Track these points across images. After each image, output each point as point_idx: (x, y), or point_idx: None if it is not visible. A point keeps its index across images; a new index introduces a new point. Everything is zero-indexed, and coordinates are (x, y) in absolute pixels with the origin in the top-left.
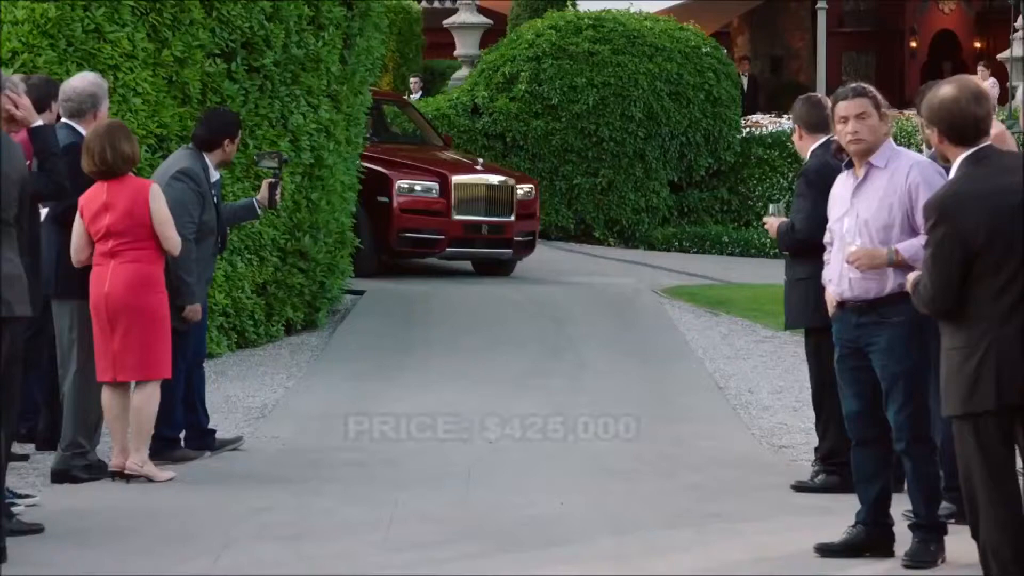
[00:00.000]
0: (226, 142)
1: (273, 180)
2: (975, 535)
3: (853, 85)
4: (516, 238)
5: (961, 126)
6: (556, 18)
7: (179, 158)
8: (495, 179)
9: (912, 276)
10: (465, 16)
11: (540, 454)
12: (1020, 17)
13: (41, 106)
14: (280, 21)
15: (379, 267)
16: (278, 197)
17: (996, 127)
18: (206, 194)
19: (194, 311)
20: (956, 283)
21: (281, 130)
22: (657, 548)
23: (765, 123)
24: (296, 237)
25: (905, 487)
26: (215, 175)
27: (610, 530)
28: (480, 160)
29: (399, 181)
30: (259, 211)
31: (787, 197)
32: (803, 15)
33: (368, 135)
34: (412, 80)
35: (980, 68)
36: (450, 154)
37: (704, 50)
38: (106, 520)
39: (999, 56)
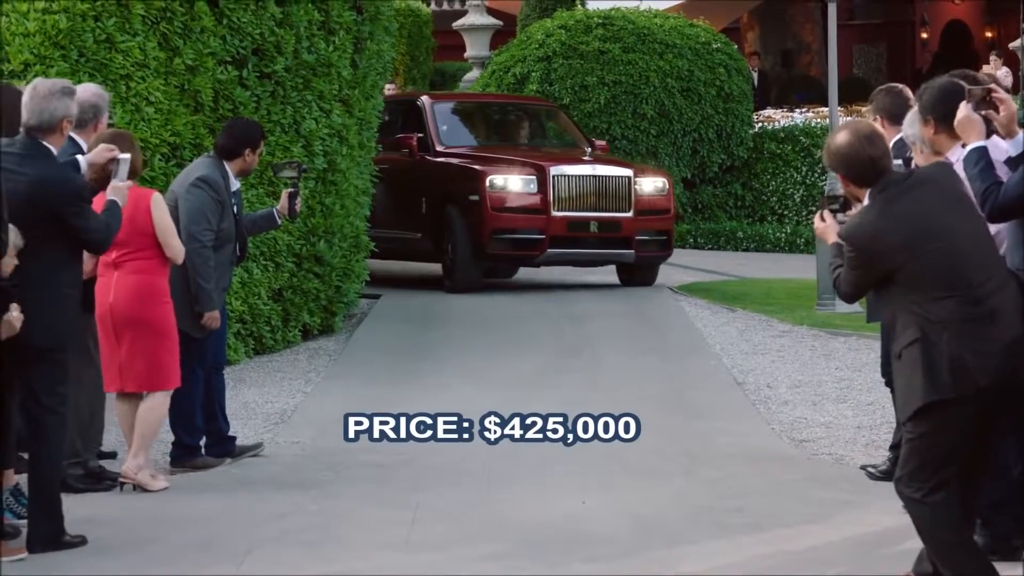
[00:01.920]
0: (247, 151)
1: (293, 190)
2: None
3: None
4: (639, 237)
5: (860, 170)
6: (566, 17)
7: (199, 166)
8: (606, 171)
9: (831, 252)
10: (474, 18)
11: (559, 453)
12: None
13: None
14: (290, 27)
15: (479, 278)
16: (298, 206)
17: (961, 111)
18: (225, 202)
19: (212, 318)
20: (867, 289)
21: (294, 136)
22: (680, 545)
23: (777, 118)
24: (311, 242)
25: None
26: (235, 184)
27: (632, 528)
28: (590, 151)
29: (491, 176)
30: (279, 220)
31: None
32: (813, 9)
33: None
34: (388, 87)
35: (992, 57)
36: (556, 147)
37: (715, 46)
38: (126, 528)
39: (1011, 45)
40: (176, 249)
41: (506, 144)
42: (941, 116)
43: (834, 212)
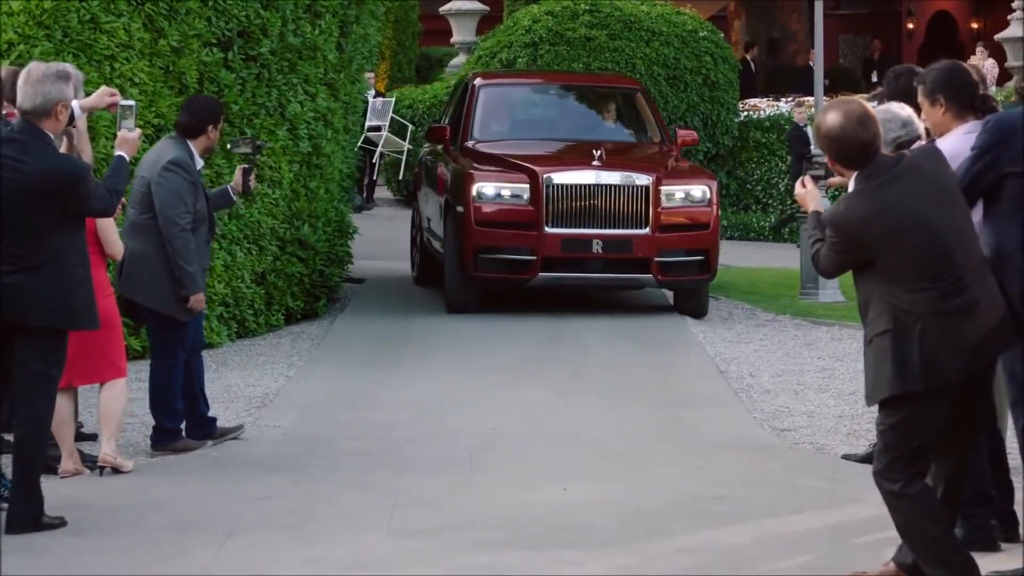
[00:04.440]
0: (210, 128)
1: (247, 166)
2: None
3: None
4: (661, 259)
5: (848, 152)
6: (552, 4)
7: (167, 148)
8: (615, 177)
9: (810, 221)
10: (461, 3)
11: (542, 440)
12: None
13: None
14: (276, 10)
15: (472, 299)
16: (252, 183)
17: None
18: (197, 182)
19: (198, 300)
20: (846, 270)
21: (279, 119)
22: (663, 532)
23: (763, 107)
24: (295, 226)
25: None
26: (199, 163)
27: (615, 515)
28: (599, 155)
29: (478, 184)
30: (234, 197)
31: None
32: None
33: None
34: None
35: (979, 48)
36: (615, 142)
37: (701, 34)
38: (107, 510)
39: (997, 36)
40: (116, 246)
41: (551, 139)
42: (951, 95)
43: (817, 178)
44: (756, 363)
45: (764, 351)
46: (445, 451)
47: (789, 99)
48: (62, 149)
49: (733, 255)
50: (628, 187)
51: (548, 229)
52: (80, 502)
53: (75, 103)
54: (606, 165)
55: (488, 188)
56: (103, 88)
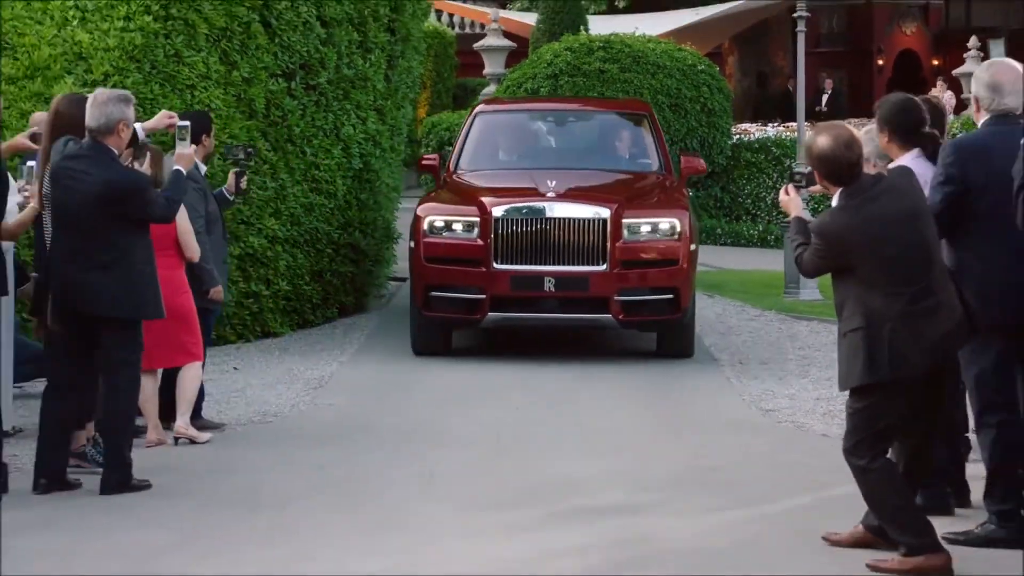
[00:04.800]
0: (204, 137)
1: (239, 170)
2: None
3: None
4: (621, 297)
5: (836, 171)
6: (571, 41)
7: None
8: (569, 210)
9: (793, 227)
10: (492, 40)
11: (558, 420)
12: (973, 36)
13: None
14: (333, 45)
15: (438, 341)
16: (243, 184)
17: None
18: (205, 188)
19: (218, 291)
20: (826, 272)
21: (334, 139)
22: (666, 502)
23: (752, 131)
24: (348, 232)
25: None
26: (203, 168)
27: (624, 487)
28: (554, 183)
29: (429, 218)
30: (229, 197)
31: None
32: (785, 37)
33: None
34: None
35: (939, 82)
36: (601, 172)
37: (700, 68)
38: (184, 476)
39: (954, 72)
40: (193, 249)
41: (539, 168)
42: (895, 127)
43: (799, 187)
44: (745, 352)
45: (752, 342)
46: (475, 429)
47: (776, 124)
48: (145, 165)
49: (726, 259)
50: (582, 220)
51: (497, 266)
52: (163, 467)
53: (138, 125)
54: (563, 196)
55: (438, 221)
56: (163, 112)
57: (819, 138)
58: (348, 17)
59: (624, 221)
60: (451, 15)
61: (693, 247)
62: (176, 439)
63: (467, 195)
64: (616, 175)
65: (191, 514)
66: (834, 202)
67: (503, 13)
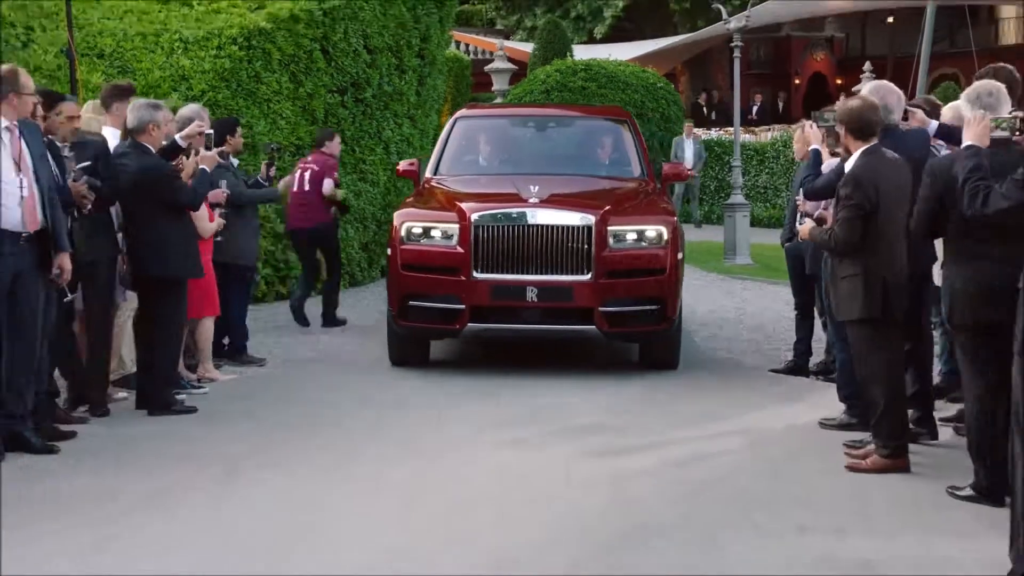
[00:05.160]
0: (228, 137)
1: (269, 161)
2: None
3: None
4: (606, 308)
5: (859, 127)
6: (560, 64)
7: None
8: (553, 217)
9: (809, 229)
10: (499, 64)
11: (558, 362)
12: (867, 62)
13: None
14: (376, 68)
15: (415, 350)
16: (272, 172)
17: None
18: (236, 174)
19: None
20: (858, 232)
21: (377, 141)
22: (647, 429)
23: (699, 134)
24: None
25: None
26: (235, 161)
27: (607, 412)
28: (537, 188)
29: (406, 223)
30: (263, 182)
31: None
32: (724, 62)
33: None
34: None
35: (842, 96)
36: (580, 177)
37: (659, 85)
38: (229, 403)
39: (853, 89)
40: (203, 230)
41: (520, 173)
42: (853, 128)
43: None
44: (695, 306)
45: (700, 297)
46: (483, 371)
47: (718, 129)
48: (189, 165)
49: None
50: (567, 228)
51: (477, 275)
52: (237, 395)
53: (178, 136)
54: (547, 202)
55: (416, 228)
56: (195, 123)
57: (852, 100)
58: (388, 46)
59: (609, 228)
60: (467, 44)
61: (680, 255)
62: (199, 380)
63: (446, 201)
64: (598, 181)
65: (240, 438)
66: (852, 160)
67: (507, 43)
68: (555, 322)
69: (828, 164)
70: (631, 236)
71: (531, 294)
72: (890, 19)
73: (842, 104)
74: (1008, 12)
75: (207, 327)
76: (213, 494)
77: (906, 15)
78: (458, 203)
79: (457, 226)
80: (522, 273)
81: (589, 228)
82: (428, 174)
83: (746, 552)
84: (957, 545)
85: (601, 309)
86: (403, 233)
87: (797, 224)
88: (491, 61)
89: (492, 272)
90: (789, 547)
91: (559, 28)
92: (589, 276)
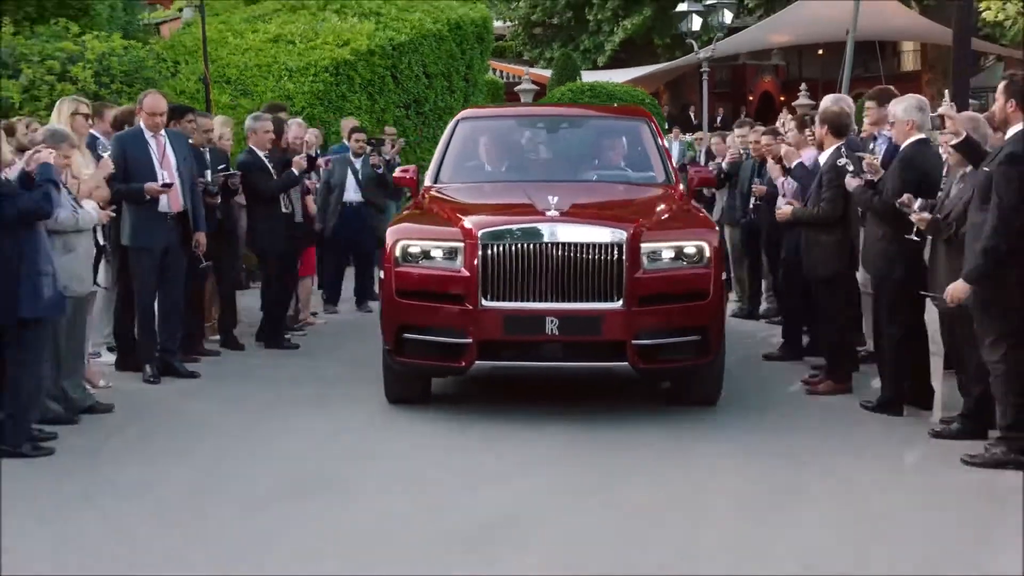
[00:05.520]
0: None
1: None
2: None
3: None
4: (641, 341)
5: (838, 128)
6: (571, 85)
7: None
8: (577, 233)
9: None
10: (525, 86)
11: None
12: (803, 83)
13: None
14: (432, 89)
15: (413, 388)
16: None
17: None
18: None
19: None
20: (840, 210)
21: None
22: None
23: (684, 137)
24: None
25: None
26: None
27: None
28: (557, 200)
29: (402, 242)
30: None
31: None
32: (695, 83)
33: None
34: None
35: (784, 110)
36: (539, 191)
37: (647, 101)
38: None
39: (792, 103)
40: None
41: (531, 180)
42: (833, 128)
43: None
44: None
45: None
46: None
47: (691, 134)
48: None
49: None
50: (594, 245)
51: (485, 303)
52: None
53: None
54: (568, 215)
55: (413, 247)
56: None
57: (832, 107)
58: (441, 72)
59: (643, 245)
60: (501, 71)
61: (724, 276)
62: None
63: (448, 214)
64: (619, 189)
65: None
66: (823, 157)
67: (531, 70)
68: (580, 358)
69: (808, 156)
70: (668, 254)
71: (551, 326)
72: (820, 51)
73: (825, 110)
74: (907, 46)
75: (307, 284)
76: (313, 403)
77: (832, 48)
78: (462, 217)
79: (462, 244)
80: (540, 301)
81: (620, 245)
82: (428, 182)
83: None
84: (864, 430)
85: (635, 342)
86: (398, 253)
87: (778, 208)
88: (519, 84)
89: (504, 300)
90: None
91: (571, 58)
92: (620, 303)
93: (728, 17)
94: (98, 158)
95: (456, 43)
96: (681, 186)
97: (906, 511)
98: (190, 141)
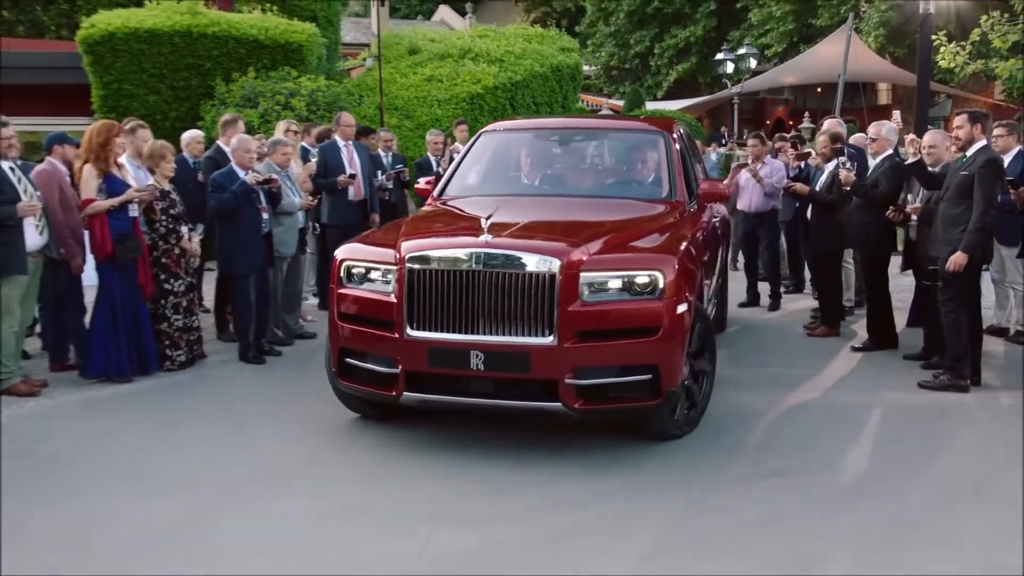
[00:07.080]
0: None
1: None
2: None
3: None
4: (576, 380)
5: (836, 136)
6: (638, 112)
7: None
8: (500, 258)
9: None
10: (605, 111)
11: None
12: (807, 112)
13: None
14: (539, 114)
15: (370, 412)
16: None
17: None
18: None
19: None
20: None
21: None
22: None
23: (711, 151)
24: None
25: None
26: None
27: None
28: (504, 218)
29: (346, 261)
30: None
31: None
32: (728, 111)
33: None
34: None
35: (792, 131)
36: (511, 207)
37: (693, 123)
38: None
39: (799, 126)
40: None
41: (524, 195)
42: (836, 140)
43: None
44: None
45: None
46: None
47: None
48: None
49: None
50: (521, 275)
51: (411, 332)
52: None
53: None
54: (504, 239)
55: (356, 267)
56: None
57: (835, 128)
58: (546, 102)
59: (583, 275)
60: (588, 102)
61: (681, 308)
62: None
63: (400, 233)
64: (611, 206)
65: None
66: (830, 166)
67: (610, 101)
68: (509, 396)
69: (829, 168)
70: (614, 284)
71: (476, 360)
72: (819, 89)
73: (826, 128)
74: (882, 86)
75: None
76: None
77: (828, 86)
78: (403, 238)
79: (394, 268)
80: (464, 333)
81: (550, 275)
82: (435, 194)
83: None
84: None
85: (569, 381)
86: (341, 272)
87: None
88: (600, 111)
89: (428, 330)
90: None
91: (638, 92)
92: (552, 338)
93: (753, 63)
94: (306, 162)
95: (556, 81)
96: (689, 201)
97: (880, 420)
98: (372, 152)
